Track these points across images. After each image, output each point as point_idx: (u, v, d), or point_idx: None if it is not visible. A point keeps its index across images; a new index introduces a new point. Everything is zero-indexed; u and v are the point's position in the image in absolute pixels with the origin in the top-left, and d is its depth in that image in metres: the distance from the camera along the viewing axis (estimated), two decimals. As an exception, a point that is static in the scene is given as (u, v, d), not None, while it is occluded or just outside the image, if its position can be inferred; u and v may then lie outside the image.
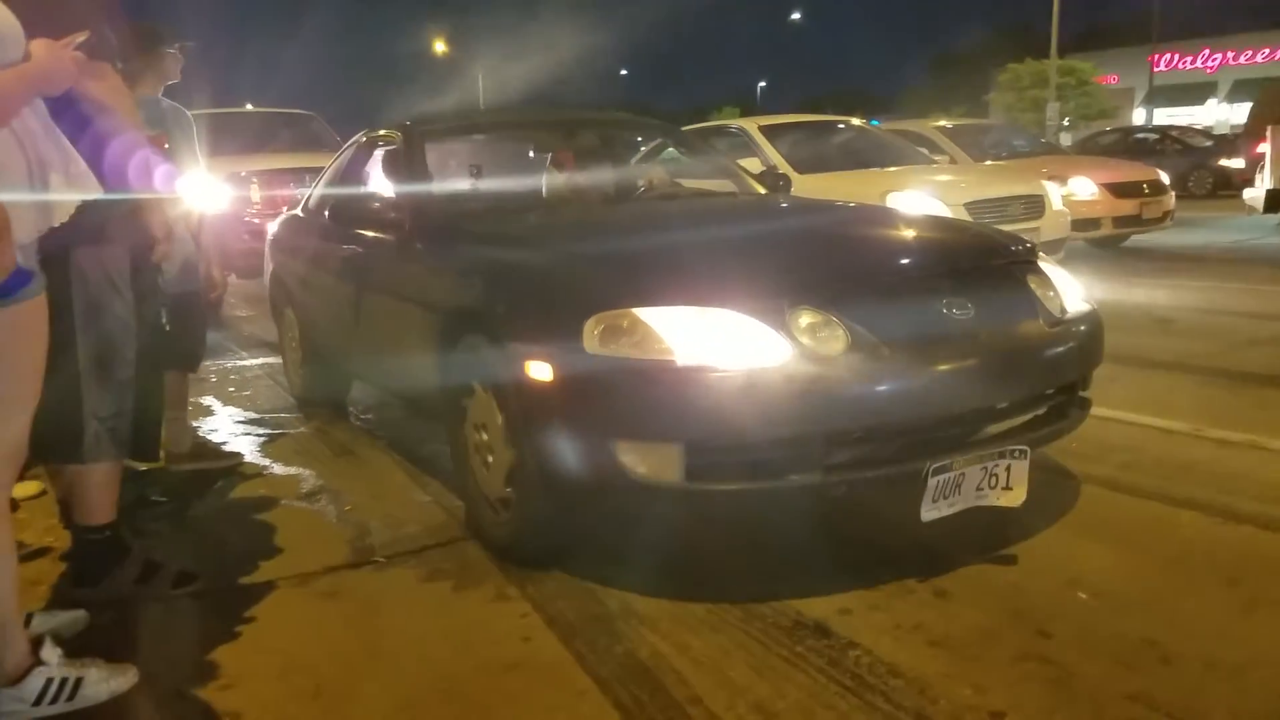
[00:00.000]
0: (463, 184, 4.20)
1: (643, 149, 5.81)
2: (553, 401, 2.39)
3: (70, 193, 1.88)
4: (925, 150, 8.44)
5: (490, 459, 2.72)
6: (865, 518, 2.86)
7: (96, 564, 2.48)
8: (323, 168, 8.72)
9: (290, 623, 2.43)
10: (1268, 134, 8.17)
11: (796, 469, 2.23)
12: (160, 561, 2.61)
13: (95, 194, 1.97)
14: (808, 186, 5.94)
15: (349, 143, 4.72)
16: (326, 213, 4.14)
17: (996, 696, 1.94)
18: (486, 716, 1.96)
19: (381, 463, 3.84)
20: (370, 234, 3.61)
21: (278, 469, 3.80)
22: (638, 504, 2.39)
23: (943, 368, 2.37)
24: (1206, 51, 40.46)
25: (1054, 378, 2.70)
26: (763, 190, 4.21)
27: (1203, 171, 17.62)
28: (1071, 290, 2.86)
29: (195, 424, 4.32)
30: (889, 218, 3.52)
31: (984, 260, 2.88)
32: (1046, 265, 2.91)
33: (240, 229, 7.77)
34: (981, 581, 2.42)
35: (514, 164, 4.74)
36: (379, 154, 4.37)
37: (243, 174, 8.24)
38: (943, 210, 6.19)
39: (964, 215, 6.24)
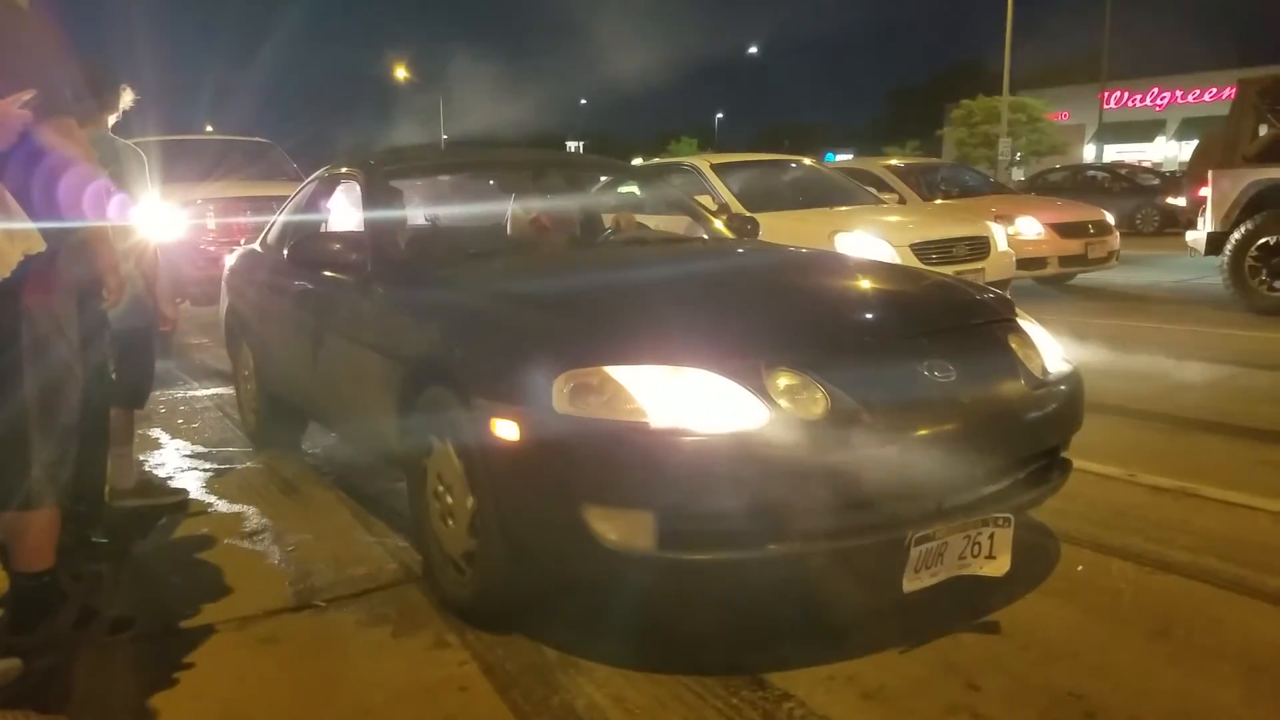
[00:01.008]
0: (425, 225, 4.18)
1: (607, 190, 5.80)
2: (520, 462, 2.30)
3: (13, 248, 1.88)
4: (874, 190, 8.61)
5: (452, 515, 2.64)
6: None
7: (33, 610, 2.44)
8: (281, 197, 8.74)
9: (228, 669, 2.41)
10: (1209, 178, 8.42)
11: (775, 538, 2.15)
12: (98, 607, 2.58)
13: (38, 249, 1.97)
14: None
15: (310, 178, 4.69)
16: (285, 250, 4.10)
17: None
18: (421, 769, 1.96)
19: (327, 500, 3.83)
20: (330, 274, 3.51)
21: (222, 506, 3.77)
22: (607, 571, 2.27)
23: (925, 433, 2.30)
24: (1156, 90, 41.65)
25: (1037, 442, 2.65)
26: (729, 234, 4.19)
27: (1150, 210, 18.12)
28: (1051, 350, 2.82)
29: (141, 458, 4.27)
30: (866, 271, 3.42)
31: (964, 319, 2.85)
32: (1026, 323, 2.88)
33: (195, 256, 7.72)
34: (914, 631, 2.45)
35: (477, 205, 4.72)
36: (340, 191, 4.35)
37: (199, 201, 8.18)
38: (888, 251, 6.32)
39: (910, 256, 6.39)
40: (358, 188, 3.86)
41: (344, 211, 4.24)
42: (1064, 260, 9.04)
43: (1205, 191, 8.46)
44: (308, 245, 3.43)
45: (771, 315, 2.70)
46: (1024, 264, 7.98)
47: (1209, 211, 8.38)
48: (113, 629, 2.56)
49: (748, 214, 4.83)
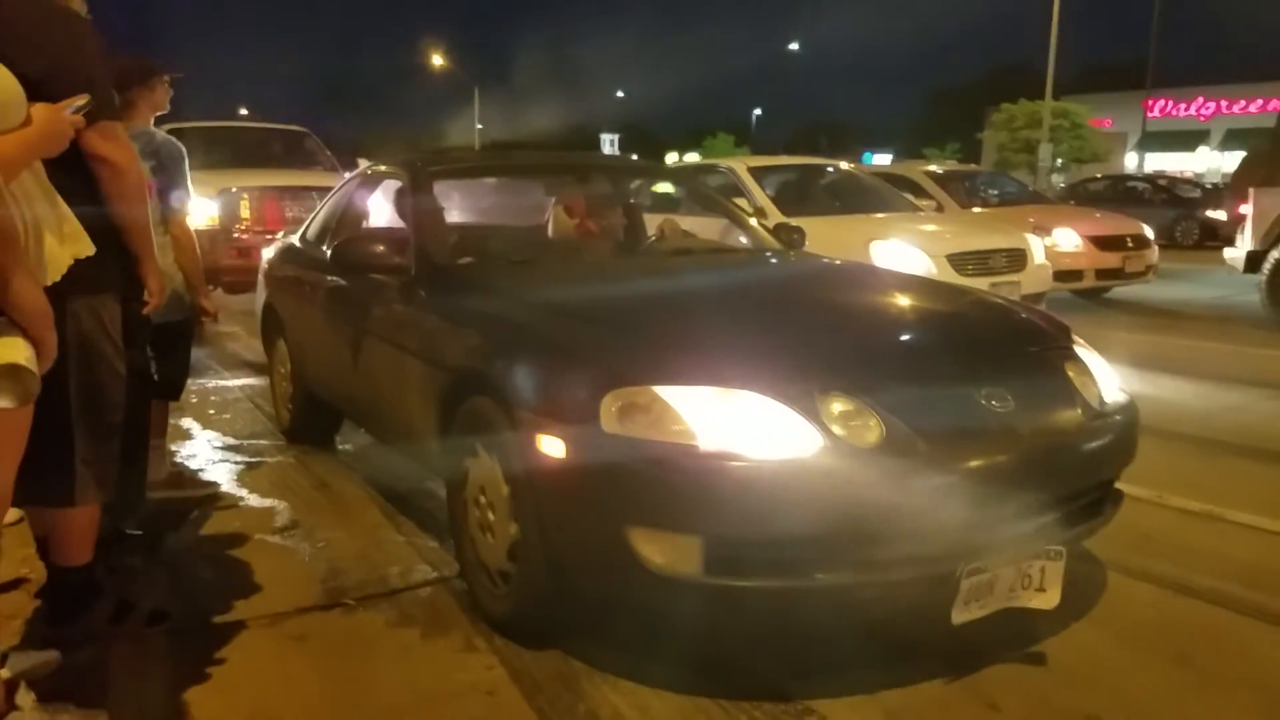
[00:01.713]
0: (469, 229, 4.17)
1: (650, 192, 5.80)
2: (565, 480, 2.28)
3: (63, 251, 1.93)
4: (912, 196, 8.56)
5: (492, 528, 2.62)
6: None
7: (71, 603, 2.52)
8: (317, 187, 8.83)
9: (259, 666, 2.46)
10: (1250, 195, 8.31)
11: (824, 568, 2.13)
12: (134, 600, 2.65)
13: (87, 252, 2.03)
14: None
15: (351, 175, 4.70)
16: (326, 248, 4.14)
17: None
18: (446, 773, 2.01)
19: (358, 498, 3.87)
20: (372, 275, 3.47)
21: (254, 500, 3.83)
22: (651, 594, 2.24)
23: (980, 464, 2.25)
24: (1200, 99, 41.02)
25: (1094, 474, 2.62)
26: (774, 243, 4.13)
27: (1190, 222, 17.87)
28: (1108, 378, 2.78)
29: (173, 449, 4.35)
30: (920, 291, 3.38)
31: (1022, 346, 2.81)
32: (1083, 351, 2.83)
33: (229, 245, 7.81)
34: (939, 650, 2.45)
35: (520, 209, 4.70)
36: (382, 189, 4.34)
37: (234, 190, 8.26)
38: (924, 261, 6.29)
39: (946, 267, 6.35)
40: (402, 188, 3.84)
41: (386, 211, 4.24)
42: (1101, 273, 8.94)
43: (1245, 209, 8.35)
44: (351, 246, 3.41)
45: (824, 336, 2.67)
46: (1060, 276, 7.90)
47: (1249, 229, 8.27)
48: (149, 622, 2.63)
49: (789, 221, 4.71)
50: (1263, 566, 3.09)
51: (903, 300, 3.23)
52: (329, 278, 4.03)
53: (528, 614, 2.52)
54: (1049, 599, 2.34)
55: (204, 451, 4.53)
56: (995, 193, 10.63)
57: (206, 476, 4.11)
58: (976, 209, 9.51)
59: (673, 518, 2.12)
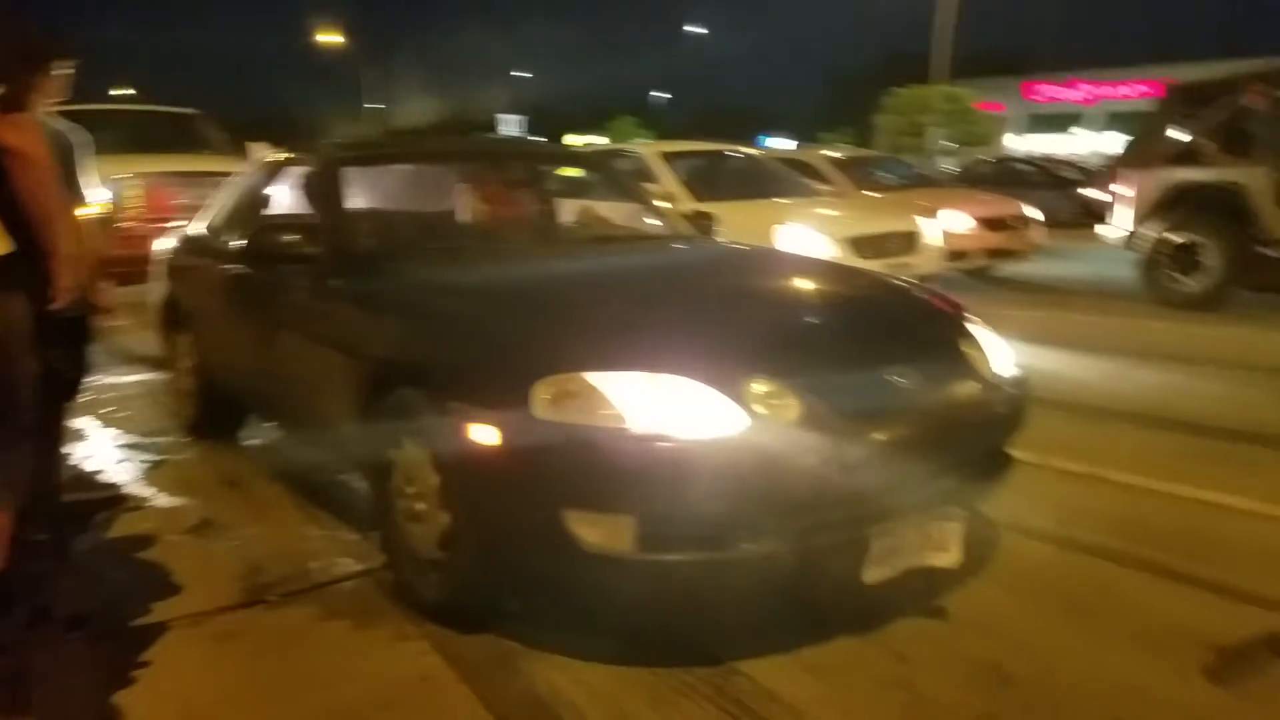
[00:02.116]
0: (381, 215, 4.09)
1: (563, 177, 5.71)
2: (499, 467, 2.34)
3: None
4: (813, 181, 8.80)
5: (421, 517, 2.63)
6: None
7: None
8: (213, 172, 8.53)
9: (186, 666, 2.45)
10: (1129, 178, 8.80)
11: (749, 538, 2.24)
12: (49, 605, 2.59)
13: (5, 250, 1.98)
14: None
15: (257, 161, 4.59)
16: (232, 237, 4.05)
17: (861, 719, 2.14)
18: (388, 757, 2.04)
19: (270, 493, 3.82)
20: (283, 266, 3.40)
21: (162, 500, 3.75)
22: (586, 573, 2.32)
23: (888, 436, 2.42)
24: (1079, 83, 42.84)
25: (990, 440, 2.84)
26: (690, 230, 4.21)
27: (1071, 202, 18.68)
28: (1000, 352, 2.95)
29: (72, 449, 4.21)
30: (831, 276, 3.58)
31: (923, 326, 3.02)
32: (976, 328, 3.02)
33: (119, 235, 7.50)
34: (852, 609, 2.60)
35: (435, 196, 4.60)
36: (290, 177, 4.23)
37: (124, 177, 7.91)
38: (825, 245, 6.50)
39: (846, 250, 6.58)
40: (311, 175, 3.77)
41: (295, 199, 4.13)
42: (988, 253, 9.38)
43: (1126, 189, 8.84)
44: (266, 235, 3.34)
45: (745, 321, 2.78)
46: (950, 256, 8.25)
47: (1126, 208, 8.76)
48: (67, 628, 2.57)
49: (700, 206, 4.76)
50: (1141, 521, 3.35)
51: (813, 285, 3.38)
52: (237, 268, 3.94)
53: (462, 600, 2.56)
54: (950, 557, 2.54)
55: (105, 451, 4.40)
56: (890, 177, 10.98)
57: (110, 477, 4.00)
58: (873, 193, 9.83)
59: (606, 499, 2.21)
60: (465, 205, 4.15)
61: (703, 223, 4.29)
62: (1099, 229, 9.22)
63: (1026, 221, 9.84)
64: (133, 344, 6.84)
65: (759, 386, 2.31)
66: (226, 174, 8.49)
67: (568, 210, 4.68)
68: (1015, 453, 2.98)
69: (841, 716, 2.17)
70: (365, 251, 3.46)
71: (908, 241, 7.19)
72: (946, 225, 8.86)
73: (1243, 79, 8.37)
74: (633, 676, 2.33)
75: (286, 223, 3.60)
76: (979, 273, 9.91)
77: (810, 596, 2.54)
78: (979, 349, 2.90)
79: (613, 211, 4.65)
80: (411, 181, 4.76)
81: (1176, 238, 8.30)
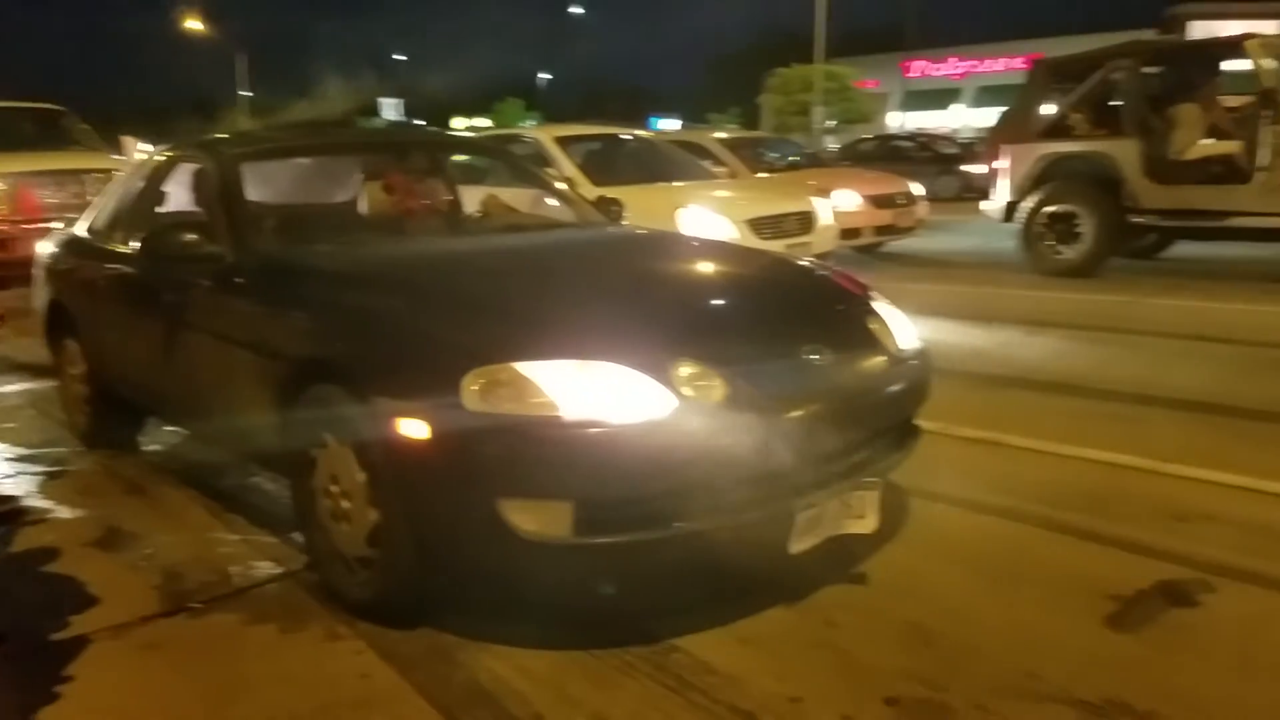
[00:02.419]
0: (280, 210, 4.01)
1: (462, 163, 5.62)
2: (430, 461, 2.32)
3: None
4: (707, 164, 8.93)
5: (348, 516, 2.60)
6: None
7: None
8: (81, 170, 8.15)
9: (114, 679, 2.38)
10: (1005, 151, 9.19)
11: (682, 517, 2.29)
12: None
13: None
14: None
15: (137, 158, 4.45)
16: (121, 239, 3.92)
17: (794, 684, 2.24)
18: (336, 756, 2.03)
19: (177, 500, 3.71)
20: (182, 266, 3.30)
21: (63, 512, 3.61)
22: (524, 561, 2.34)
23: (809, 411, 2.50)
24: (954, 60, 44.33)
25: (900, 412, 2.96)
26: (597, 216, 4.23)
27: (950, 177, 19.40)
28: (904, 328, 3.07)
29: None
30: (741, 259, 3.68)
31: (832, 305, 3.11)
32: (880, 305, 3.13)
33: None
34: (779, 580, 2.69)
35: (334, 189, 4.55)
36: (180, 173, 4.10)
37: (-13, 178, 7.57)
38: (727, 227, 6.61)
39: (746, 231, 6.71)
40: (204, 172, 3.66)
41: (186, 197, 4.03)
42: (877, 230, 9.70)
43: (1001, 163, 9.24)
44: (160, 236, 3.24)
45: (666, 306, 2.83)
46: (842, 234, 8.52)
47: (1004, 182, 9.15)
48: (-18, 646, 2.47)
49: (600, 190, 4.76)
50: (1041, 482, 3.55)
51: (726, 268, 3.46)
52: (130, 270, 3.82)
53: (394, 596, 2.55)
54: (868, 524, 2.65)
55: (-5, 465, 4.20)
56: (779, 157, 11.22)
57: (4, 489, 3.82)
58: (763, 174, 10.03)
59: (543, 486, 2.24)
60: (368, 197, 4.07)
61: (610, 208, 4.31)
62: (983, 205, 9.60)
63: (913, 198, 10.20)
64: (11, 351, 6.52)
65: (685, 370, 2.37)
66: (97, 171, 8.23)
67: (472, 198, 4.64)
68: (921, 423, 3.12)
69: (776, 682, 2.25)
70: (269, 248, 3.37)
71: (805, 222, 7.37)
72: (838, 204, 9.13)
73: (1106, 53, 8.83)
74: (572, 659, 2.37)
75: (184, 221, 3.49)
76: (870, 249, 10.24)
77: (740, 569, 2.61)
78: (884, 325, 3.02)
79: (517, 199, 4.63)
80: (308, 175, 4.63)
81: (1052, 209, 8.72)
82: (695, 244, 4.30)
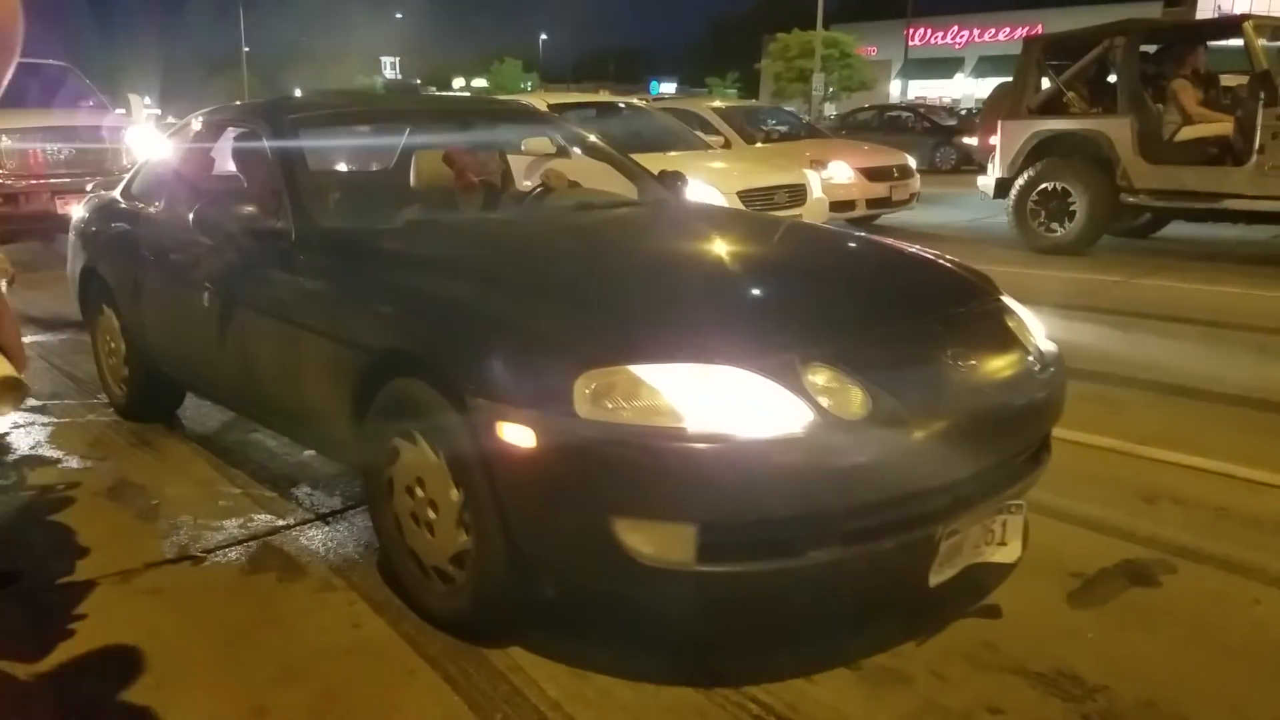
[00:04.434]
0: (349, 182, 3.86)
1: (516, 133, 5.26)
2: (537, 472, 2.09)
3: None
4: (701, 133, 9.00)
5: (430, 524, 2.39)
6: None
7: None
8: (86, 127, 8.21)
9: (121, 620, 2.54)
10: (998, 127, 9.25)
11: (817, 545, 2.05)
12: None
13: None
14: (587, 168, 5.15)
15: (189, 121, 4.23)
16: (164, 206, 3.84)
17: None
18: (329, 698, 2.20)
19: (182, 453, 3.88)
20: (237, 239, 3.10)
21: (73, 462, 3.77)
22: (638, 586, 2.15)
23: (957, 425, 2.19)
24: (956, 28, 44.08)
25: (1045, 425, 2.62)
26: (665, 193, 3.85)
27: (948, 149, 19.44)
28: (1038, 328, 2.73)
29: (-30, 415, 4.15)
30: (857, 247, 3.25)
31: (967, 300, 2.73)
32: (1010, 301, 2.80)
33: (-3, 193, 7.28)
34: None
35: (388, 159, 4.35)
36: (229, 137, 3.92)
37: (-7, 133, 7.65)
38: (719, 198, 6.70)
39: (737, 203, 6.81)
40: (261, 139, 3.38)
41: (235, 163, 3.85)
42: (871, 203, 9.80)
43: (994, 140, 9.31)
44: (215, 207, 3.08)
45: (789, 301, 2.54)
46: (835, 207, 8.61)
47: (997, 158, 9.23)
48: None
49: (676, 171, 4.06)
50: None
51: (843, 255, 3.14)
52: (175, 239, 3.65)
53: (487, 614, 2.36)
54: (1011, 552, 2.37)
55: (6, 415, 4.33)
56: (776, 126, 11.29)
57: (14, 441, 3.98)
58: (759, 144, 10.10)
59: (663, 505, 2.01)
60: (425, 170, 3.73)
61: (674, 183, 3.91)
62: (979, 180, 9.67)
63: (909, 171, 10.29)
64: (18, 304, 6.63)
65: (819, 376, 2.10)
66: (104, 129, 8.30)
67: (530, 173, 4.46)
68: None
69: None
70: (334, 223, 3.14)
71: (796, 194, 7.47)
72: (833, 177, 9.21)
73: (1102, 31, 8.87)
74: (556, 611, 2.48)
75: (240, 191, 3.31)
76: (864, 221, 10.33)
77: (874, 603, 2.46)
78: (1022, 325, 2.68)
79: (575, 171, 4.29)
80: (358, 144, 4.54)
81: (1046, 186, 8.80)
82: (799, 227, 3.84)
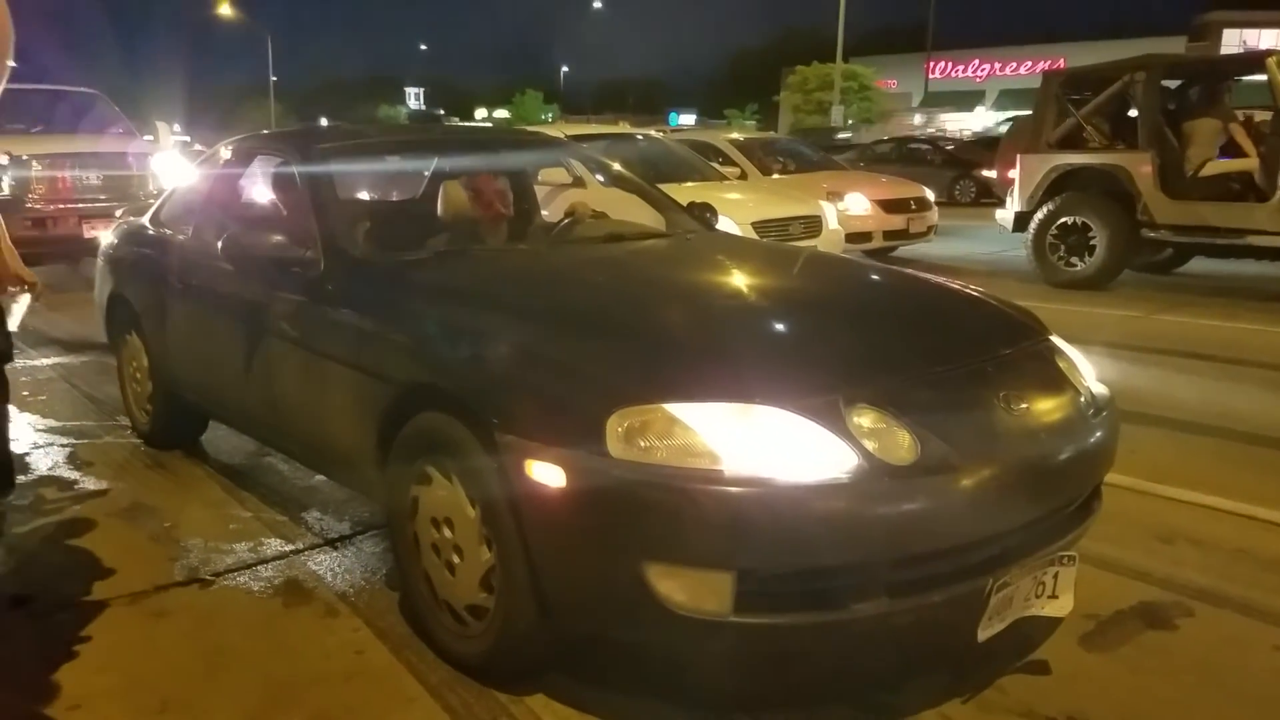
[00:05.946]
0: (377, 212, 3.81)
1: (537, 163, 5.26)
2: (566, 513, 2.01)
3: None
4: (717, 164, 9.06)
5: (457, 562, 2.32)
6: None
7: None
8: (113, 154, 8.37)
9: (128, 642, 2.56)
10: (1017, 162, 9.25)
11: (861, 597, 1.95)
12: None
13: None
14: (611, 198, 5.15)
15: (216, 150, 4.23)
16: (191, 234, 3.85)
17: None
18: (328, 724, 2.20)
19: (195, 476, 3.91)
20: (265, 268, 3.07)
21: (89, 484, 3.81)
22: (670, 636, 2.04)
23: (1011, 473, 2.09)
24: (977, 61, 44.25)
25: (1101, 471, 2.50)
26: (695, 225, 3.77)
27: (967, 181, 19.40)
28: (1088, 369, 2.63)
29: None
30: (901, 284, 3.10)
31: (1017, 341, 2.59)
32: (1061, 343, 2.69)
33: (22, 216, 7.41)
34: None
35: (411, 189, 4.36)
36: (258, 166, 3.92)
37: (24, 158, 7.80)
38: (732, 229, 6.72)
39: (751, 234, 6.82)
40: (289, 168, 3.37)
41: (264, 192, 3.86)
42: (888, 235, 9.79)
43: (1013, 173, 9.30)
44: (244, 237, 3.06)
45: (830, 338, 2.42)
46: (851, 238, 8.64)
47: (1016, 192, 9.22)
48: (10, 605, 2.68)
49: (705, 203, 4.05)
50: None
51: (886, 292, 3.03)
52: (203, 267, 3.61)
53: (510, 657, 2.27)
54: (1063, 605, 2.27)
55: (26, 435, 4.40)
56: (793, 159, 11.33)
57: (32, 460, 4.03)
58: (776, 175, 10.14)
59: (699, 552, 1.91)
60: (448, 200, 3.65)
61: (704, 215, 3.83)
62: (998, 213, 9.65)
63: (927, 204, 10.29)
64: (43, 325, 6.74)
65: (864, 418, 2.00)
66: (132, 155, 8.47)
67: (554, 203, 4.45)
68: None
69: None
70: (362, 253, 3.08)
71: (811, 225, 7.49)
72: (849, 208, 9.23)
73: (1122, 65, 8.87)
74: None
75: (268, 219, 3.30)
76: (880, 253, 10.32)
77: (920, 659, 2.37)
78: (1073, 367, 2.58)
79: (595, 202, 4.18)
80: (383, 174, 4.53)
81: (1066, 220, 8.78)
82: (837, 261, 3.75)
